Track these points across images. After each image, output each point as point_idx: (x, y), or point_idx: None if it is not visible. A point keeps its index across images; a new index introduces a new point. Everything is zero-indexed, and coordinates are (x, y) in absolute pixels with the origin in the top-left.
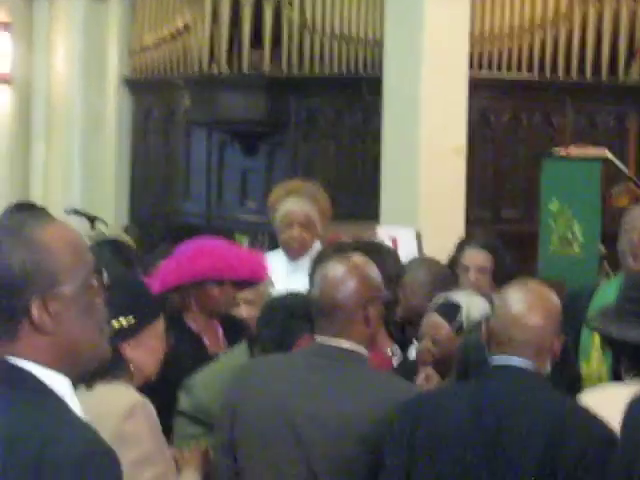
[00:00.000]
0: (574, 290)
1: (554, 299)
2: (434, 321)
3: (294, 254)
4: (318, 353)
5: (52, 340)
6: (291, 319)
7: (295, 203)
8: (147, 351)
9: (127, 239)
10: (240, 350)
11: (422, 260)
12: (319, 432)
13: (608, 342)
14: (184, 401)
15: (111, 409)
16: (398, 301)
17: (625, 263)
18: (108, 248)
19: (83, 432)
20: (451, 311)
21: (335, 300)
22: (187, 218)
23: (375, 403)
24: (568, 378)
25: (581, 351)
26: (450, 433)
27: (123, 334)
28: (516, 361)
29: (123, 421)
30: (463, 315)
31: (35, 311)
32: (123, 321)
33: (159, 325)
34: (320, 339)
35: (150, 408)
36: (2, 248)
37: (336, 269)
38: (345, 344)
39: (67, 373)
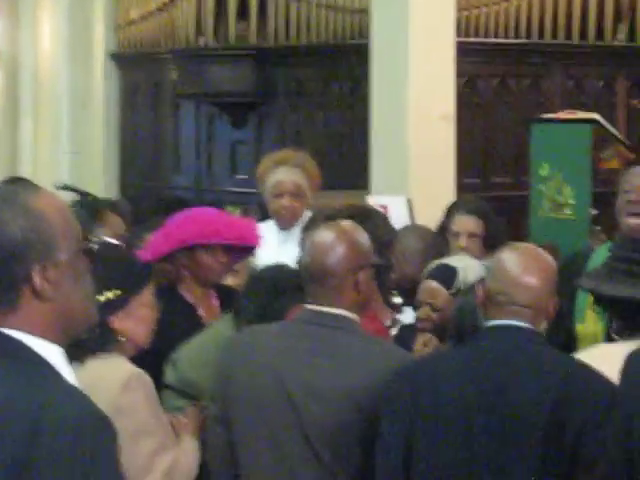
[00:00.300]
0: (570, 254)
1: (549, 260)
2: (431, 287)
3: (285, 224)
4: (309, 320)
5: (50, 308)
6: (275, 291)
7: (284, 173)
8: (137, 321)
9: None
10: (225, 322)
11: (414, 227)
12: (313, 400)
13: (599, 301)
14: (170, 374)
15: (107, 382)
16: (392, 267)
17: (623, 221)
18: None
19: (78, 399)
20: (448, 276)
21: (324, 266)
22: (177, 191)
23: (369, 369)
24: (563, 339)
25: (576, 313)
26: (452, 398)
27: (111, 307)
28: (515, 322)
29: (120, 393)
30: (460, 279)
31: (36, 278)
32: (109, 294)
33: (147, 293)
34: (310, 306)
35: (146, 379)
36: (1, 216)
37: (325, 235)
38: (335, 310)
39: (59, 341)
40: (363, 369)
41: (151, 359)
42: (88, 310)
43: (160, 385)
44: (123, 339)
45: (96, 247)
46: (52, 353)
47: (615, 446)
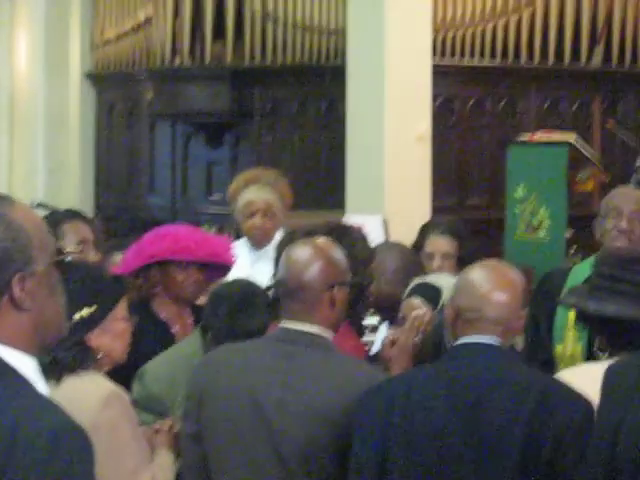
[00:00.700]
0: (548, 272)
1: (517, 276)
2: (415, 305)
3: (257, 243)
4: (284, 338)
5: (25, 318)
6: (237, 307)
7: (255, 192)
8: (114, 336)
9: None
10: (193, 338)
11: (392, 245)
12: (288, 419)
13: (583, 318)
14: (136, 390)
15: (85, 400)
16: (369, 285)
17: (607, 244)
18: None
19: (54, 411)
20: (433, 295)
21: (301, 280)
22: (152, 211)
23: (344, 388)
24: (542, 359)
25: (555, 332)
26: (425, 416)
27: (86, 325)
28: (485, 339)
29: (99, 411)
30: (445, 299)
31: (15, 288)
32: (83, 312)
33: (121, 307)
34: (285, 323)
35: (124, 396)
36: None
37: (303, 250)
38: (310, 328)
39: (31, 352)
40: (337, 388)
41: (123, 375)
42: (60, 322)
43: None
44: (100, 356)
45: (68, 260)
46: (26, 365)
47: (596, 460)
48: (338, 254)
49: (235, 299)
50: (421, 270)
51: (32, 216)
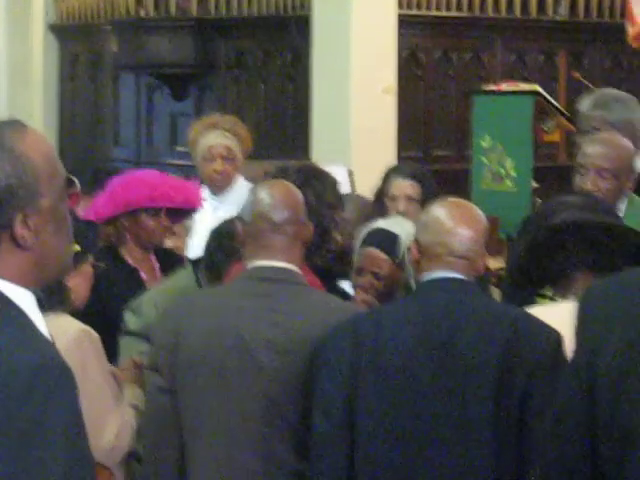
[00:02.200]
0: (529, 216)
1: (481, 213)
2: (375, 255)
3: (217, 188)
4: (257, 277)
5: (27, 256)
6: (233, 244)
7: (215, 136)
8: (83, 279)
9: None
10: (185, 273)
11: (351, 197)
12: (270, 357)
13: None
14: (132, 321)
15: (57, 339)
16: (334, 229)
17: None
18: None
19: (42, 346)
20: (391, 244)
21: (267, 219)
22: (116, 164)
23: (321, 323)
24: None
25: None
26: (396, 351)
27: None
28: (451, 274)
29: (70, 350)
30: (402, 246)
31: (17, 226)
32: None
33: (92, 255)
34: (259, 262)
35: (95, 336)
36: None
37: (270, 190)
38: (285, 264)
39: (31, 287)
40: (317, 323)
41: (94, 319)
42: (65, 258)
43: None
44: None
45: (78, 189)
46: (24, 299)
47: (570, 386)
48: (300, 195)
49: (230, 238)
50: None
51: (42, 146)
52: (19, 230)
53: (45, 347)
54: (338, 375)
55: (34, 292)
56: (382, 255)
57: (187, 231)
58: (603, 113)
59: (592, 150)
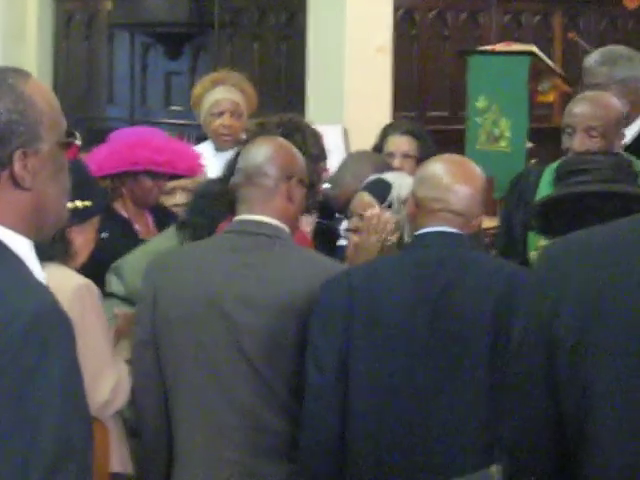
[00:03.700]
0: (518, 175)
1: (479, 171)
2: (364, 199)
3: (224, 143)
4: (239, 231)
5: (25, 198)
6: (217, 204)
7: (223, 92)
8: (85, 239)
9: None
10: (168, 234)
11: (366, 154)
12: (249, 312)
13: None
14: (115, 283)
15: (57, 290)
16: (317, 183)
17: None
18: None
19: (40, 292)
20: (381, 190)
21: (259, 168)
22: (111, 123)
23: (305, 277)
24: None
25: (529, 239)
26: (391, 302)
27: (77, 217)
28: (448, 228)
29: (69, 302)
30: (394, 194)
31: (17, 164)
32: (78, 203)
33: (98, 217)
34: (241, 216)
35: (95, 289)
36: None
37: (263, 141)
38: (266, 218)
39: (29, 236)
40: (299, 277)
41: (91, 271)
42: (61, 207)
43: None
44: (74, 253)
45: (79, 143)
46: (21, 245)
47: (529, 343)
48: (297, 152)
49: (212, 199)
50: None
51: (46, 94)
52: (18, 167)
53: (43, 294)
54: (331, 328)
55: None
56: (370, 199)
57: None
58: (609, 69)
59: (579, 109)
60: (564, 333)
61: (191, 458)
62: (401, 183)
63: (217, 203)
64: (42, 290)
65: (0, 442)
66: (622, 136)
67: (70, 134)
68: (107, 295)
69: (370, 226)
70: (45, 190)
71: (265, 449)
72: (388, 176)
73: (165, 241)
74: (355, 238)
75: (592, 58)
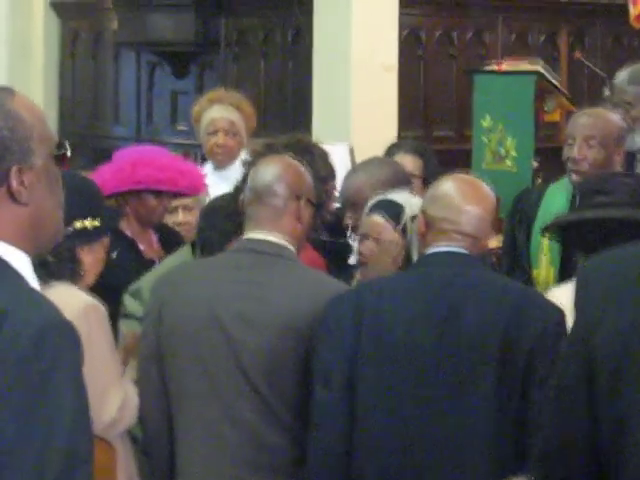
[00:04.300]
0: (523, 191)
1: (489, 190)
2: (377, 222)
3: (220, 162)
4: (245, 249)
5: (22, 213)
6: (228, 220)
7: (219, 110)
8: (95, 260)
9: None
10: (183, 253)
11: (385, 160)
12: (249, 330)
13: (568, 234)
14: (132, 305)
15: (64, 309)
16: (326, 204)
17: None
18: None
19: (42, 305)
20: (395, 211)
21: (269, 187)
22: (117, 142)
23: (312, 296)
24: (521, 280)
25: (531, 257)
26: (398, 322)
27: (86, 236)
28: (457, 248)
29: (76, 321)
30: (407, 215)
31: (13, 180)
32: (87, 223)
33: (108, 238)
34: (248, 235)
35: (102, 309)
36: None
37: (272, 160)
38: (273, 238)
39: (27, 250)
40: (305, 296)
41: (97, 290)
42: (58, 221)
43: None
44: (83, 272)
45: (69, 153)
46: (19, 259)
47: (570, 358)
48: (306, 172)
49: (223, 214)
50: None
51: (33, 108)
52: (15, 184)
53: (48, 307)
54: (338, 344)
55: (40, 260)
56: (384, 221)
57: (200, 205)
58: (637, 88)
59: (580, 120)
60: (603, 353)
61: (191, 472)
62: (410, 204)
63: (227, 219)
64: (47, 303)
65: (12, 451)
66: (622, 152)
67: (60, 145)
68: (125, 317)
69: (384, 249)
70: (42, 204)
71: (264, 465)
72: (396, 197)
73: (179, 260)
74: (367, 259)
75: (620, 76)
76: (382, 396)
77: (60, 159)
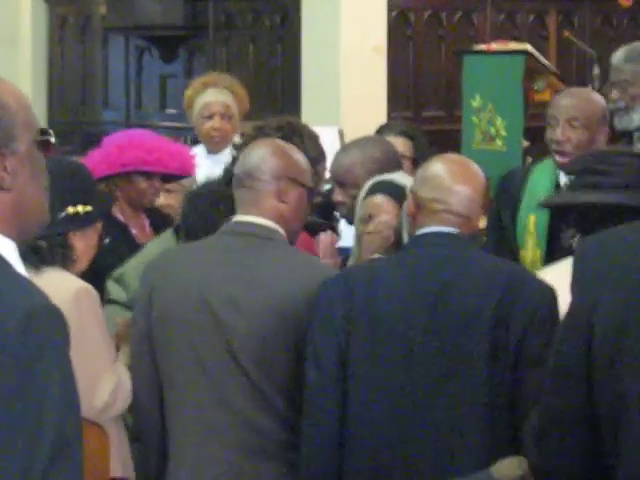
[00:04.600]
0: (507, 173)
1: (480, 172)
2: (381, 203)
3: (214, 146)
4: (233, 232)
5: (6, 199)
6: (213, 205)
7: (214, 94)
8: (87, 246)
9: None
10: (166, 237)
11: (378, 138)
12: (238, 314)
13: (563, 213)
14: (116, 290)
15: (55, 295)
16: (316, 185)
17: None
18: None
19: (30, 290)
20: (397, 192)
21: (249, 169)
22: (106, 126)
23: (293, 280)
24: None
25: (517, 238)
26: (389, 303)
27: (77, 222)
28: (448, 229)
29: (69, 305)
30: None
31: None
32: (80, 208)
33: (100, 223)
34: (235, 217)
35: (94, 293)
36: None
37: (259, 144)
38: (258, 219)
39: (12, 237)
40: (296, 279)
41: (90, 276)
42: (43, 207)
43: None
44: (75, 258)
45: (53, 140)
46: (3, 245)
47: (568, 340)
48: (297, 154)
49: (208, 200)
50: (399, 166)
51: (17, 94)
52: (0, 169)
53: (34, 292)
54: (330, 327)
55: (33, 245)
56: (388, 201)
57: (185, 189)
58: (635, 66)
59: (562, 101)
60: (601, 332)
61: (183, 456)
62: (409, 184)
63: (214, 205)
64: (33, 288)
65: (3, 434)
66: (605, 132)
67: (44, 132)
68: (108, 302)
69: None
70: (25, 190)
71: (255, 449)
72: (396, 178)
73: (163, 245)
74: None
75: (618, 55)
76: (373, 377)
77: (44, 146)
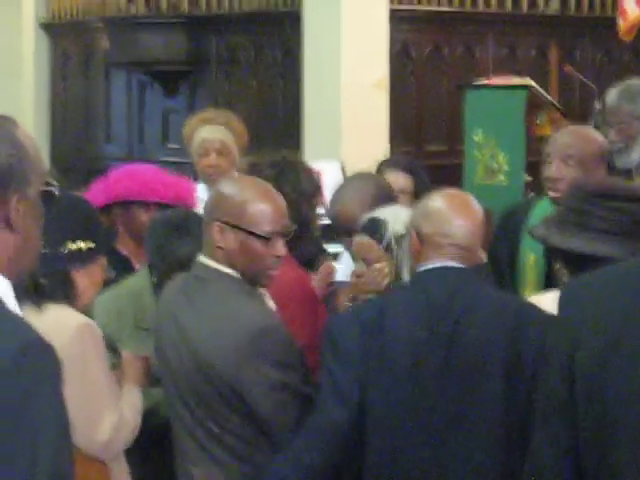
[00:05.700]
0: (508, 209)
1: (479, 206)
2: (363, 242)
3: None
4: (194, 271)
5: (12, 240)
6: (175, 233)
7: (209, 131)
8: (91, 282)
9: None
10: (141, 274)
11: (369, 175)
12: (182, 360)
13: (551, 251)
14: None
15: (59, 330)
16: (313, 220)
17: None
18: None
19: (21, 328)
20: (377, 229)
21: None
22: (108, 161)
23: (217, 330)
24: None
25: (518, 276)
26: (402, 341)
27: (80, 258)
28: (453, 263)
29: (71, 342)
30: (390, 232)
31: (13, 207)
32: (81, 244)
33: (104, 258)
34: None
35: (97, 330)
36: None
37: (221, 183)
38: (209, 261)
39: (11, 277)
40: (212, 329)
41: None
42: (37, 252)
43: None
44: (77, 294)
45: (57, 192)
46: (1, 285)
47: (554, 376)
48: (229, 194)
49: (171, 225)
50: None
51: (32, 141)
52: (14, 211)
53: (27, 329)
54: (350, 362)
55: (34, 282)
56: (369, 241)
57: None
58: (629, 106)
59: (559, 139)
60: (585, 367)
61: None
62: (395, 218)
63: (172, 231)
64: (25, 325)
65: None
66: (603, 169)
67: (48, 183)
68: None
69: (372, 277)
70: (29, 233)
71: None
72: (382, 213)
73: (137, 281)
74: (357, 279)
75: (611, 95)
76: (390, 415)
77: (47, 196)
